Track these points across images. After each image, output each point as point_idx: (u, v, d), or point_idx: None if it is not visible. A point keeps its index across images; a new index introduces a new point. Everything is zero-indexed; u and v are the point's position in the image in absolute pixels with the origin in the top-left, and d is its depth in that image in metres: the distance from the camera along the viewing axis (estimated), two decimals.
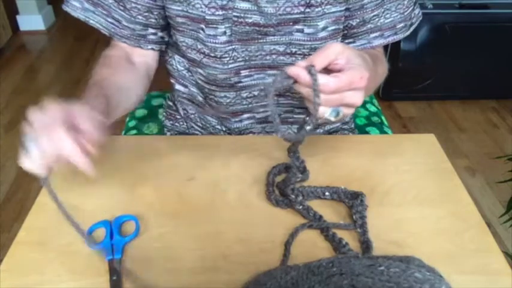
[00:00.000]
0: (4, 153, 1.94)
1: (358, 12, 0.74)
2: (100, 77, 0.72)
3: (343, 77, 0.52)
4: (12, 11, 2.86)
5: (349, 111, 0.55)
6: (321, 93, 0.52)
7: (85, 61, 2.66)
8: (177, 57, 0.85)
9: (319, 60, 0.52)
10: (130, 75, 0.78)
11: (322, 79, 0.51)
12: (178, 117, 0.94)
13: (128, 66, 0.79)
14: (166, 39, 0.82)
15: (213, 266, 0.55)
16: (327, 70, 0.53)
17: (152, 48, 0.81)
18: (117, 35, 0.78)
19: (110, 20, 0.76)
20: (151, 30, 0.78)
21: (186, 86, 0.88)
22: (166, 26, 0.80)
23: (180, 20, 0.75)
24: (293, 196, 0.62)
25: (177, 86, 0.89)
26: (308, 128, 0.58)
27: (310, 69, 0.51)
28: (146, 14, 0.76)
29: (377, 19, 0.75)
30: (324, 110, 0.54)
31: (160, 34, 0.80)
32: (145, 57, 0.81)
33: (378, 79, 0.76)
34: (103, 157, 0.72)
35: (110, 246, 0.57)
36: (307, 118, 0.58)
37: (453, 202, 0.65)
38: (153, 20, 0.77)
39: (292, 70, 0.52)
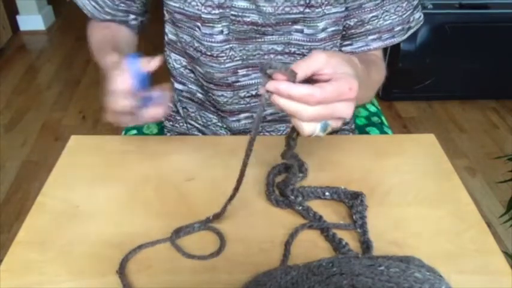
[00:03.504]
0: (4, 153, 1.94)
1: (357, 12, 0.74)
2: (108, 35, 0.78)
3: (329, 87, 0.48)
4: (12, 11, 2.86)
5: (337, 123, 0.52)
6: (307, 105, 0.48)
7: (85, 61, 2.66)
8: (173, 55, 0.85)
9: (301, 69, 0.49)
10: (128, 32, 0.83)
11: (307, 89, 0.48)
12: (178, 118, 0.94)
13: (123, 27, 0.83)
14: (145, 22, 0.85)
15: (213, 266, 0.55)
16: (314, 82, 0.50)
17: (133, 32, 0.85)
18: (99, 18, 0.80)
19: (93, 3, 0.78)
20: (132, 16, 0.82)
21: (184, 84, 0.88)
22: (146, 11, 0.84)
23: (178, 16, 0.75)
24: (293, 197, 0.62)
25: (176, 85, 0.89)
26: (293, 144, 0.57)
27: (290, 73, 0.47)
28: (128, 2, 0.79)
29: (376, 20, 0.75)
30: (312, 126, 0.50)
31: (140, 19, 0.83)
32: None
33: (373, 86, 0.75)
34: (103, 157, 0.73)
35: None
36: (294, 135, 0.56)
37: (453, 202, 0.65)
38: (134, 8, 0.80)
39: (270, 85, 0.49)
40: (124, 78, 0.57)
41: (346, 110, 0.50)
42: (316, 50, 0.52)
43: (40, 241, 0.58)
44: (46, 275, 0.54)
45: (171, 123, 0.95)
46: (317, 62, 0.50)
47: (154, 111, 0.60)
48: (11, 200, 1.71)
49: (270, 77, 0.49)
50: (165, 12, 0.80)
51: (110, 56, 0.65)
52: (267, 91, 0.49)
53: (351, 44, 0.78)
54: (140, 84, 0.59)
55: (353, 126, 0.97)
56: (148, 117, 0.61)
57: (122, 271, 0.54)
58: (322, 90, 0.48)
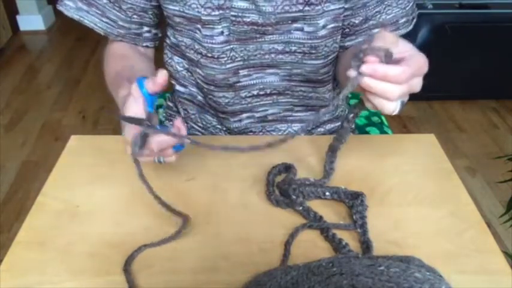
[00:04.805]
0: (4, 153, 1.94)
1: (361, 11, 0.74)
2: (121, 69, 0.74)
3: (413, 63, 0.50)
4: (12, 11, 2.86)
5: (406, 98, 0.54)
6: (396, 85, 0.50)
7: (85, 61, 2.65)
8: (176, 58, 0.85)
9: (396, 49, 0.50)
10: (145, 63, 0.80)
11: (396, 70, 0.49)
12: (178, 118, 0.94)
13: (140, 55, 0.81)
14: (159, 35, 0.84)
15: (213, 266, 0.55)
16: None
17: (147, 46, 0.82)
18: (113, 34, 0.79)
19: (104, 20, 0.77)
20: (146, 28, 0.80)
21: (185, 87, 0.88)
22: (160, 23, 0.82)
23: (177, 19, 0.75)
24: (294, 196, 0.62)
25: (178, 87, 0.89)
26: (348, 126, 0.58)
27: (387, 53, 0.49)
28: (141, 13, 0.77)
29: (379, 15, 0.75)
30: (394, 105, 0.52)
31: (154, 31, 0.82)
32: (146, 51, 0.83)
33: None
34: (103, 157, 0.73)
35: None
36: (350, 116, 0.59)
37: (453, 202, 0.65)
38: (148, 19, 0.79)
39: (367, 68, 0.49)
40: (138, 106, 0.55)
41: (419, 84, 0.52)
42: (379, 32, 0.52)
43: (40, 241, 0.58)
44: (46, 275, 0.54)
45: (171, 123, 0.95)
46: (390, 40, 0.50)
47: (165, 144, 0.57)
48: (11, 200, 1.71)
49: (361, 61, 0.50)
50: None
51: (123, 89, 0.62)
52: (359, 73, 0.50)
53: (355, 38, 0.78)
54: (151, 107, 0.56)
55: (353, 126, 0.97)
56: (156, 150, 0.56)
57: (127, 269, 0.54)
58: (409, 67, 0.50)
